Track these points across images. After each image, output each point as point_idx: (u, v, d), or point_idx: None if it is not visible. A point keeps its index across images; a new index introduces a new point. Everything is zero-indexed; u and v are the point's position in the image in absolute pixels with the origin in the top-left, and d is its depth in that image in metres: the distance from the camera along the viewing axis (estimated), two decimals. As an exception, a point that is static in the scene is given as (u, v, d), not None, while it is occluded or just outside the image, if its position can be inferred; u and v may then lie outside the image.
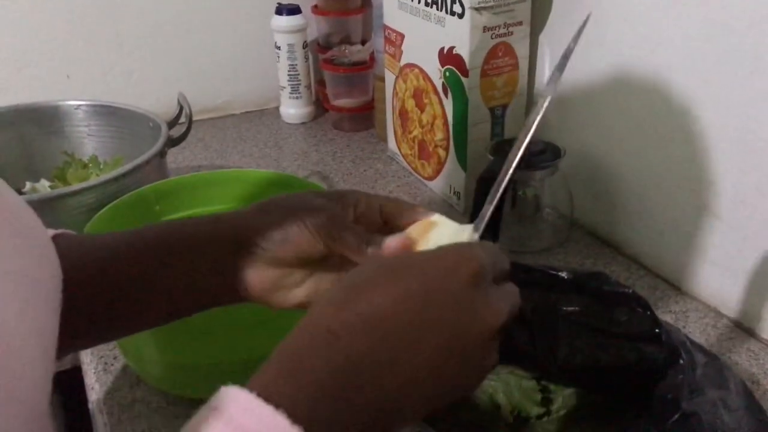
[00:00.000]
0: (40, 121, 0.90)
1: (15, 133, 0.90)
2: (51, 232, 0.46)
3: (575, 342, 0.49)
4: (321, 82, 1.26)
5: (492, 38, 0.84)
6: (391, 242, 0.40)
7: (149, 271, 0.44)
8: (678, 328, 0.49)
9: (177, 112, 0.90)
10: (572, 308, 0.53)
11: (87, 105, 0.91)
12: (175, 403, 0.62)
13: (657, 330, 0.47)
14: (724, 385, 0.44)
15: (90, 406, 0.64)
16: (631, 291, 0.50)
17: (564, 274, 0.52)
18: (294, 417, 0.29)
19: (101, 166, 0.89)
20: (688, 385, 0.43)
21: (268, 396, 0.29)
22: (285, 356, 0.33)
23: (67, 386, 0.88)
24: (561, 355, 0.48)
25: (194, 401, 0.61)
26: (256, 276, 0.43)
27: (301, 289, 0.43)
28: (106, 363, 0.67)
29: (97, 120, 0.90)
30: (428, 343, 0.33)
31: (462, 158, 0.90)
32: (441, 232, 0.41)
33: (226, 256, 0.43)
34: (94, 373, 0.66)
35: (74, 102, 0.91)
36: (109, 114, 0.90)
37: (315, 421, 0.30)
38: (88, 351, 0.69)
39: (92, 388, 0.65)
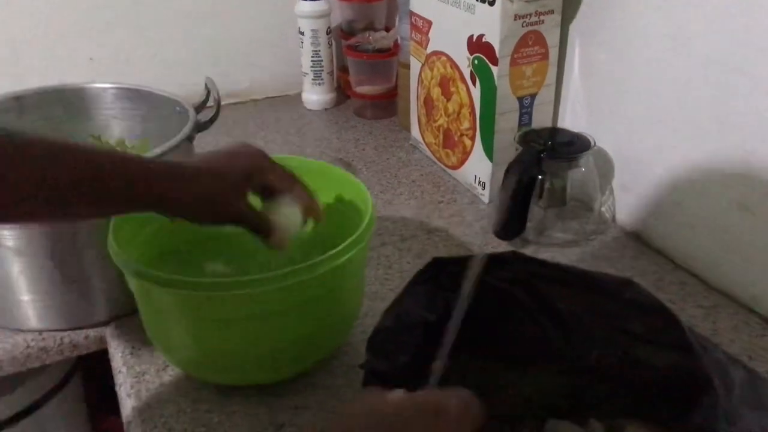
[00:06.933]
0: (67, 103, 0.90)
1: (41, 116, 0.89)
2: None
3: (610, 344, 0.48)
4: (344, 69, 1.25)
5: (522, 27, 0.83)
6: None
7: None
8: (716, 345, 0.48)
9: (204, 96, 0.90)
10: (607, 311, 0.52)
11: (114, 88, 0.90)
12: (202, 388, 0.62)
13: (690, 348, 0.46)
14: (762, 404, 0.44)
15: (117, 389, 0.65)
16: (662, 305, 0.49)
17: (599, 280, 0.52)
18: None
19: (128, 149, 0.89)
20: (724, 413, 0.42)
21: None
22: None
23: (94, 369, 0.88)
24: (596, 354, 0.48)
25: (221, 386, 0.62)
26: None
27: None
28: (133, 347, 0.67)
29: (123, 103, 0.90)
30: None
31: (488, 148, 0.89)
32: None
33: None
34: (122, 356, 0.66)
35: (101, 85, 0.91)
36: (136, 97, 0.90)
37: None
38: (115, 335, 0.69)
39: (120, 372, 0.65)
